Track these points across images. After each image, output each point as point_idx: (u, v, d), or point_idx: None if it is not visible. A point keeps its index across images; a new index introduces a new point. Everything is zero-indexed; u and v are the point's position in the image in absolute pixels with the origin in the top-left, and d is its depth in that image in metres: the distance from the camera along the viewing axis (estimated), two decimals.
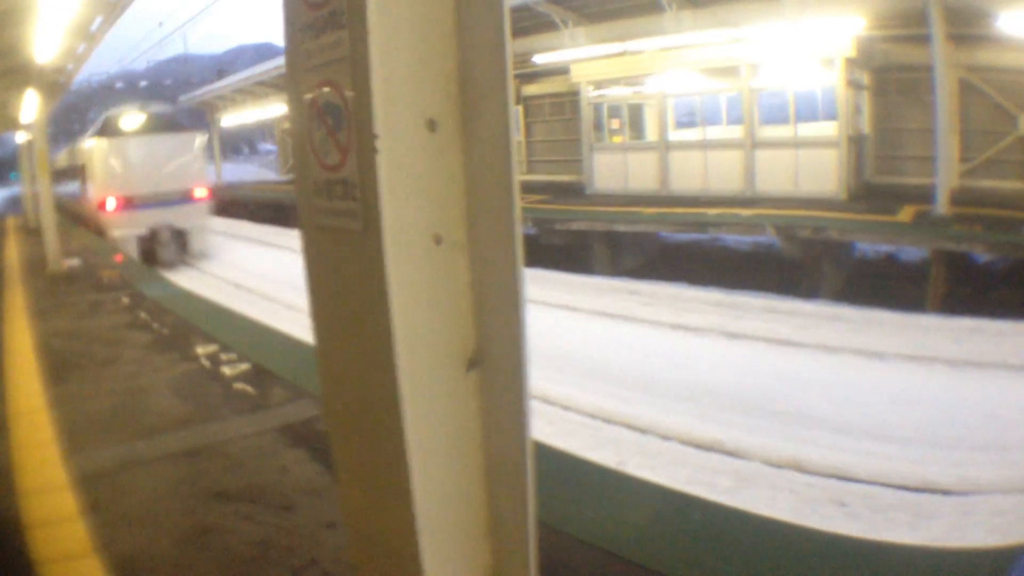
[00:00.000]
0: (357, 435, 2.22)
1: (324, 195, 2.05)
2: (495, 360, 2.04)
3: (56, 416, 6.24)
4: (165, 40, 40.21)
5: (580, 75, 20.48)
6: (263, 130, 67.00)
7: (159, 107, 25.52)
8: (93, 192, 20.22)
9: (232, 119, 43.58)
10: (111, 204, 19.76)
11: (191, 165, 21.60)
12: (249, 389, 6.87)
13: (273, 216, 31.10)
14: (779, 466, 6.01)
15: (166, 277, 14.98)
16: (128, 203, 19.26)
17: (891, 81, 16.60)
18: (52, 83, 16.53)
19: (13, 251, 19.89)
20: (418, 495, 1.97)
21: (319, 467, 5.01)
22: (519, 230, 1.92)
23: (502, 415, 2.07)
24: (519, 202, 1.92)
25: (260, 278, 17.25)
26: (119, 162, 19.54)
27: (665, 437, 6.86)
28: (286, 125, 45.09)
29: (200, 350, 8.31)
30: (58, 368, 7.77)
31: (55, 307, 11.35)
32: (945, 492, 5.71)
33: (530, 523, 2.09)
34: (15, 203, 55.82)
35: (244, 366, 7.61)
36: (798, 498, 5.35)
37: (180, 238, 20.77)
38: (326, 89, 1.97)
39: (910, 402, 7.49)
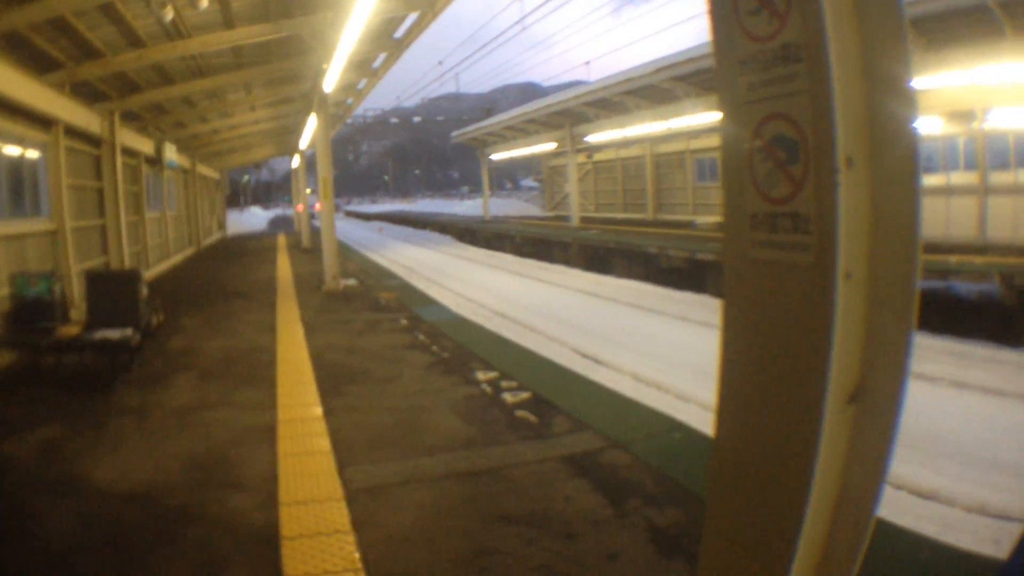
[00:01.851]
0: (749, 450, 2.37)
1: (764, 228, 2.19)
2: (873, 394, 2.16)
3: (333, 427, 6.84)
4: (441, 78, 43.61)
5: None
6: (527, 166, 69.97)
7: None
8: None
9: (499, 155, 46.11)
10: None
11: None
12: (531, 417, 7.12)
13: (535, 251, 32.62)
14: (971, 511, 7.12)
15: (442, 302, 16.05)
16: None
17: None
18: (333, 114, 18.54)
19: (288, 269, 22.26)
20: (809, 512, 2.13)
21: (602, 498, 5.13)
22: (917, 267, 2.04)
23: (867, 449, 2.18)
24: (920, 240, 2.03)
25: (525, 310, 17.99)
26: None
27: (897, 487, 7.54)
28: (553, 162, 46.89)
29: (480, 375, 8.75)
30: (335, 382, 8.53)
31: (331, 323, 12.49)
32: None
33: (859, 562, 2.24)
34: (284, 223, 62.61)
35: (524, 394, 7.90)
36: (978, 538, 6.52)
37: None
38: (776, 122, 2.11)
39: None
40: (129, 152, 18.21)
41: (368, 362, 9.55)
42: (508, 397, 7.86)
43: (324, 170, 16.52)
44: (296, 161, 35.85)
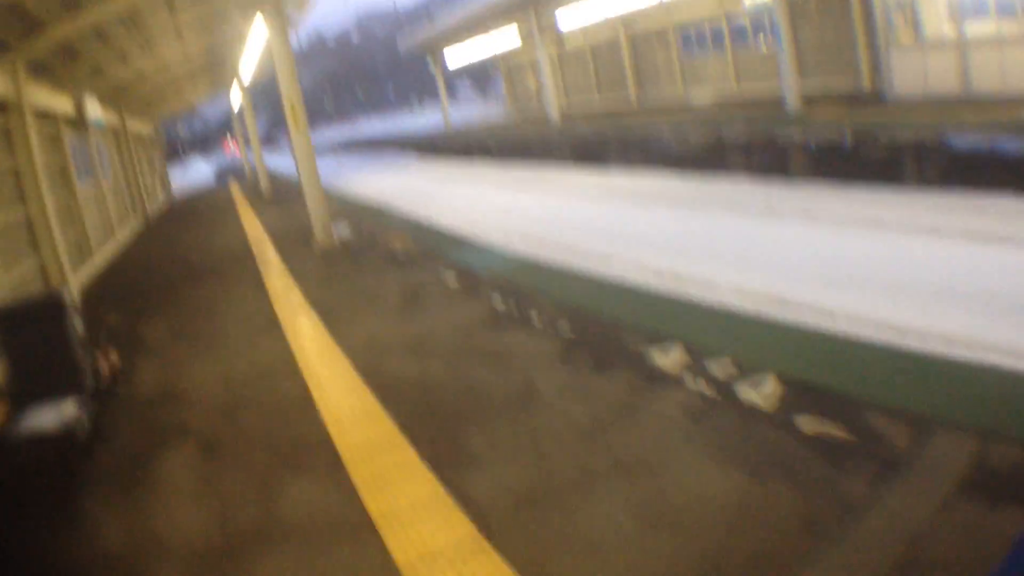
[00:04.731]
0: None
1: None
2: None
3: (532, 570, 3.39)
4: None
5: None
6: (465, 71, 65.39)
7: None
8: None
9: (456, 53, 41.43)
10: None
11: None
12: (838, 433, 3.95)
13: (518, 156, 28.73)
14: None
15: (475, 238, 12.41)
16: None
17: None
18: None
19: (258, 225, 18.28)
20: None
21: None
22: None
23: None
24: None
25: (565, 228, 14.07)
26: None
27: None
28: (512, 59, 42.18)
29: (660, 359, 5.31)
30: (440, 430, 4.94)
31: (356, 301, 8.83)
32: None
33: None
34: (231, 170, 57.81)
35: (768, 385, 4.58)
36: None
37: None
38: None
39: None
40: (44, 115, 14.17)
41: (461, 370, 5.96)
42: (752, 396, 4.59)
43: (290, 91, 12.63)
44: (237, 96, 31.25)
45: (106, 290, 13.18)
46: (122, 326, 9.17)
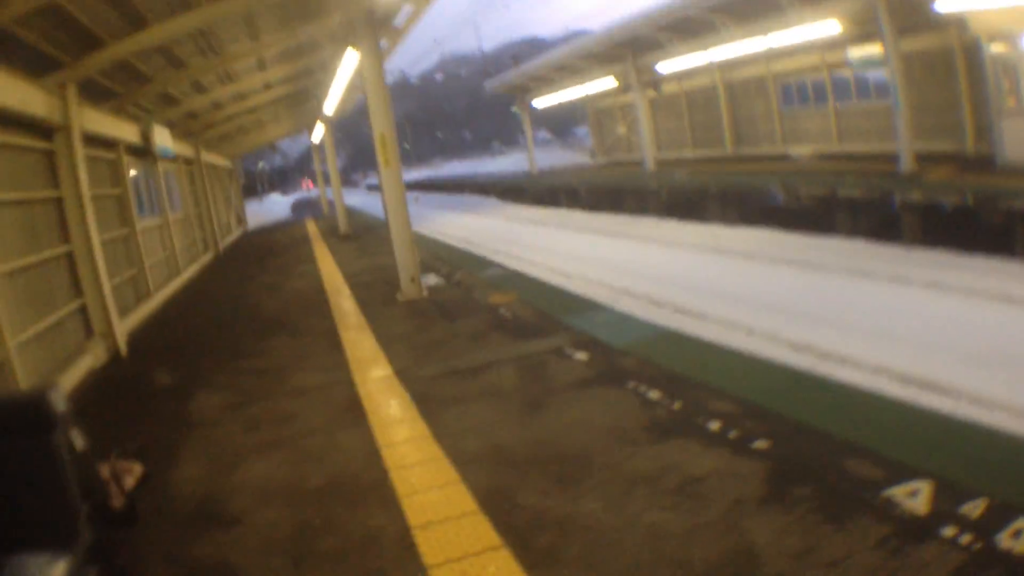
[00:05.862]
0: None
1: None
2: None
3: None
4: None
5: (981, 25, 16.94)
6: (542, 118, 64.67)
7: None
8: None
9: (542, 101, 39.69)
10: None
11: None
12: None
13: (606, 204, 27.16)
14: None
15: (586, 297, 10.57)
16: None
17: None
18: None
19: (334, 268, 16.63)
20: None
21: None
22: None
23: None
24: None
25: (676, 287, 12.37)
26: None
27: None
28: (601, 104, 40.11)
29: (906, 497, 3.43)
30: None
31: (456, 382, 7.00)
32: None
33: None
34: (308, 206, 56.97)
35: None
36: None
37: None
38: None
39: None
40: (102, 141, 12.77)
41: (632, 511, 4.02)
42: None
43: (381, 123, 11.01)
44: (318, 132, 29.89)
45: (158, 341, 11.54)
46: (167, 392, 7.52)
